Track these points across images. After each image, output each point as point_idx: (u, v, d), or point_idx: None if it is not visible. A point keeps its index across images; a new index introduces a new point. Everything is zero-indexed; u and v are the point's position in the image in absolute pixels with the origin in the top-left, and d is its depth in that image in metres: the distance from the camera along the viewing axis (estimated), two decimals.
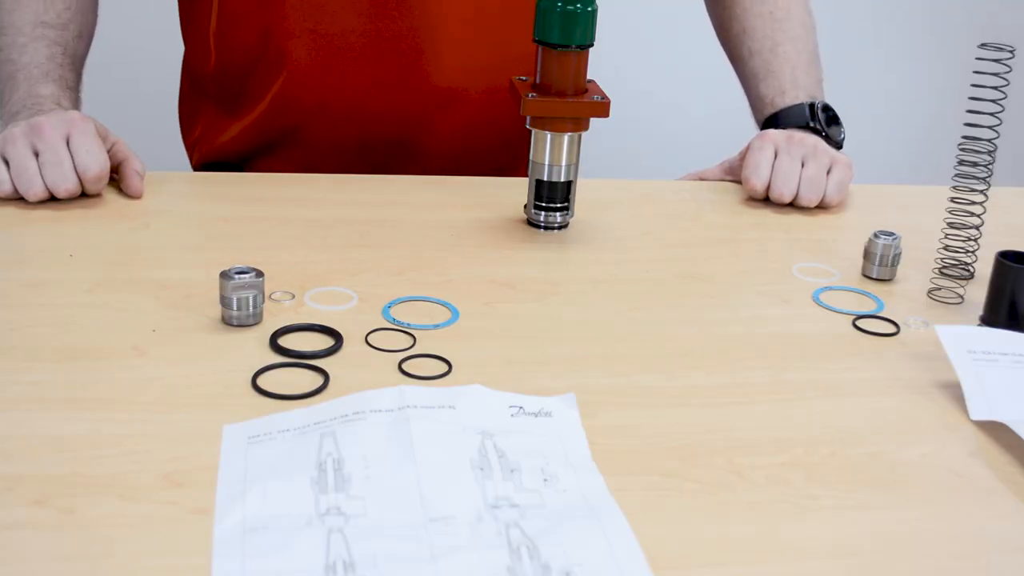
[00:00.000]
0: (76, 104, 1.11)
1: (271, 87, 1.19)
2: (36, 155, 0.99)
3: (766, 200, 1.15)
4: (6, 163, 1.00)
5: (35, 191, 0.99)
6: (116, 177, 1.05)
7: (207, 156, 1.27)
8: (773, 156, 1.15)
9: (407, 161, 1.22)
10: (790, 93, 1.22)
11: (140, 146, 1.09)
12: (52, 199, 1.00)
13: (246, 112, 1.22)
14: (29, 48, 1.10)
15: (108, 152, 1.03)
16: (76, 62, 1.15)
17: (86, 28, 1.18)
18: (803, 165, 1.15)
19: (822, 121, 1.20)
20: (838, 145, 1.21)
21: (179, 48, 1.30)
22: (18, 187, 0.99)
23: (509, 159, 1.28)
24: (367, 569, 0.57)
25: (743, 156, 1.20)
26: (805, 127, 1.20)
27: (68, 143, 1.00)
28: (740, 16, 1.29)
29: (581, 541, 0.60)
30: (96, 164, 1.00)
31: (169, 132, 1.36)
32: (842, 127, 1.23)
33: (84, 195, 1.02)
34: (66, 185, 0.99)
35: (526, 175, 1.03)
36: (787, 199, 1.13)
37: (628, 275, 0.96)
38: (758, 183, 1.14)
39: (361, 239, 0.99)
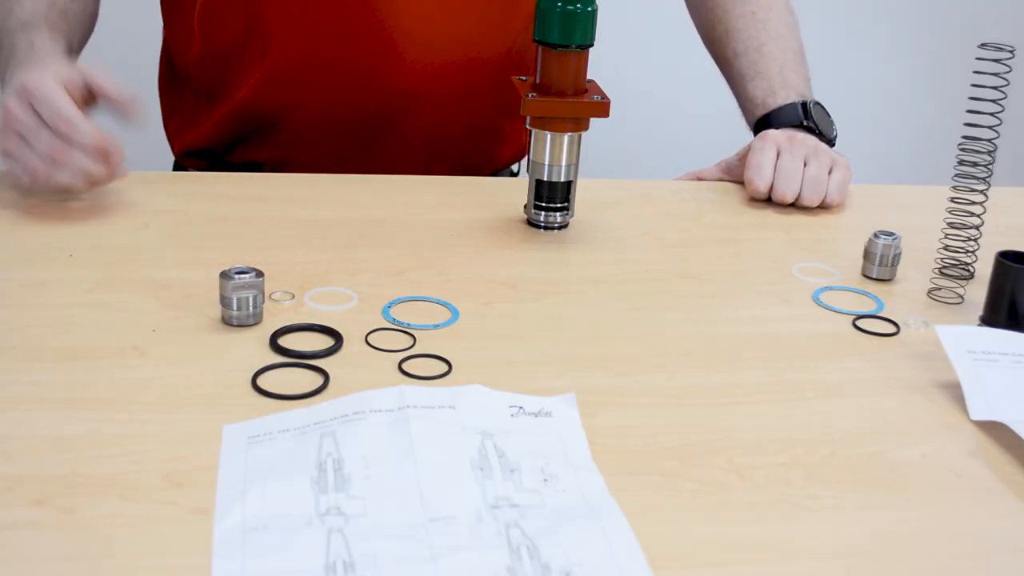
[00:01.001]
0: (56, 41, 1.09)
1: (255, 72, 1.18)
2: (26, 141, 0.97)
3: (766, 200, 1.15)
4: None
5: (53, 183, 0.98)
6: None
7: (189, 144, 1.27)
8: (775, 157, 1.15)
9: (388, 141, 1.21)
10: (780, 93, 1.23)
11: (122, 136, 1.07)
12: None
13: (229, 98, 1.21)
14: (15, 9, 1.11)
15: (87, 92, 1.00)
16: (68, 15, 1.14)
17: (86, 16, 1.19)
18: (805, 165, 1.15)
19: (815, 119, 1.20)
20: (831, 142, 1.22)
21: (157, 35, 1.29)
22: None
23: (491, 138, 1.29)
24: (367, 569, 0.57)
25: (741, 157, 1.20)
26: (799, 126, 1.20)
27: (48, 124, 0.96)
28: (723, 18, 1.29)
29: (581, 541, 0.60)
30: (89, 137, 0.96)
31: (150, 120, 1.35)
32: (834, 124, 1.23)
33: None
34: (83, 176, 0.97)
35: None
36: (790, 199, 1.13)
37: (628, 275, 0.96)
38: (761, 184, 1.14)
39: (361, 239, 0.99)
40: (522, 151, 1.34)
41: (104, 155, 0.97)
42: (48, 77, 0.98)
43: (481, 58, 1.20)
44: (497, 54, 1.21)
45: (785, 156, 1.15)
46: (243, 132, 1.23)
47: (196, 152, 1.27)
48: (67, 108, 0.96)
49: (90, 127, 0.96)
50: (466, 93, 1.21)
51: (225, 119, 1.22)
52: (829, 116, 1.23)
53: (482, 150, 1.29)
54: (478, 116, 1.25)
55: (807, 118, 1.20)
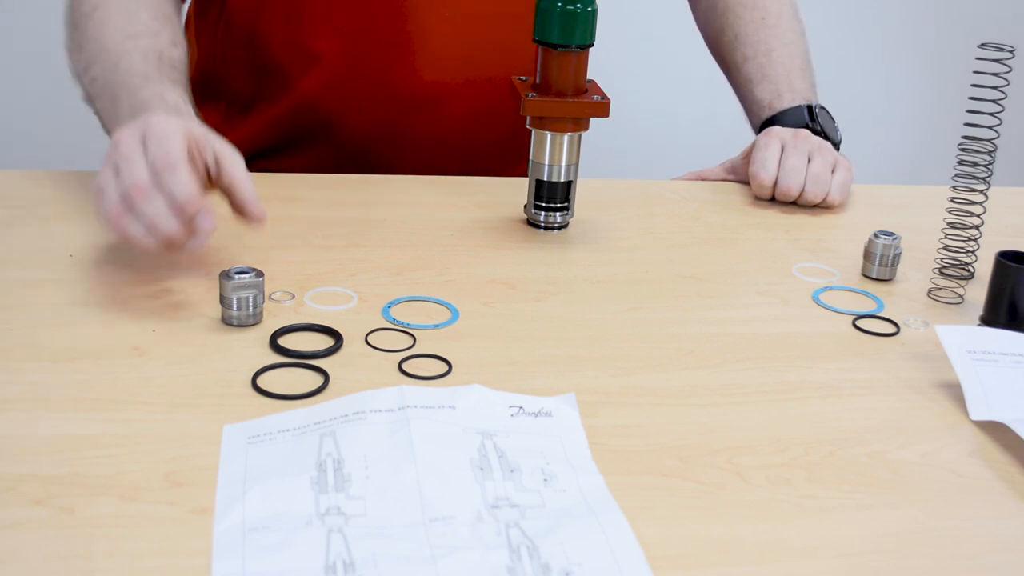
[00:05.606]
0: (185, 97, 0.97)
1: (298, 86, 1.18)
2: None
3: (768, 200, 1.15)
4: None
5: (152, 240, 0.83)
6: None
7: None
8: (780, 152, 1.15)
9: (416, 152, 1.22)
10: (787, 96, 1.23)
11: None
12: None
13: (267, 110, 1.21)
14: (122, 63, 0.99)
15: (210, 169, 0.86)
16: (177, 66, 1.02)
17: (179, 37, 1.07)
18: (808, 161, 1.15)
19: (820, 123, 1.20)
20: (836, 145, 1.22)
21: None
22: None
23: (507, 153, 1.28)
24: (367, 569, 0.57)
25: (746, 155, 1.21)
26: (805, 128, 1.20)
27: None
28: (733, 23, 1.30)
29: (581, 541, 0.60)
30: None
31: None
32: (838, 129, 1.24)
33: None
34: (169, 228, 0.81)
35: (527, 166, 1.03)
36: (794, 194, 1.13)
37: (628, 275, 0.96)
38: (766, 178, 1.14)
39: (361, 239, 0.99)
40: None
41: (183, 214, 0.80)
42: (176, 123, 0.85)
43: (503, 75, 1.20)
44: (526, 68, 1.21)
45: (789, 151, 1.15)
46: (276, 143, 1.22)
47: None
48: (176, 150, 0.81)
49: (188, 178, 0.80)
50: (493, 107, 1.21)
51: (259, 130, 1.22)
52: (834, 121, 1.24)
53: (507, 162, 1.29)
54: (504, 129, 1.24)
55: (812, 121, 1.20)
